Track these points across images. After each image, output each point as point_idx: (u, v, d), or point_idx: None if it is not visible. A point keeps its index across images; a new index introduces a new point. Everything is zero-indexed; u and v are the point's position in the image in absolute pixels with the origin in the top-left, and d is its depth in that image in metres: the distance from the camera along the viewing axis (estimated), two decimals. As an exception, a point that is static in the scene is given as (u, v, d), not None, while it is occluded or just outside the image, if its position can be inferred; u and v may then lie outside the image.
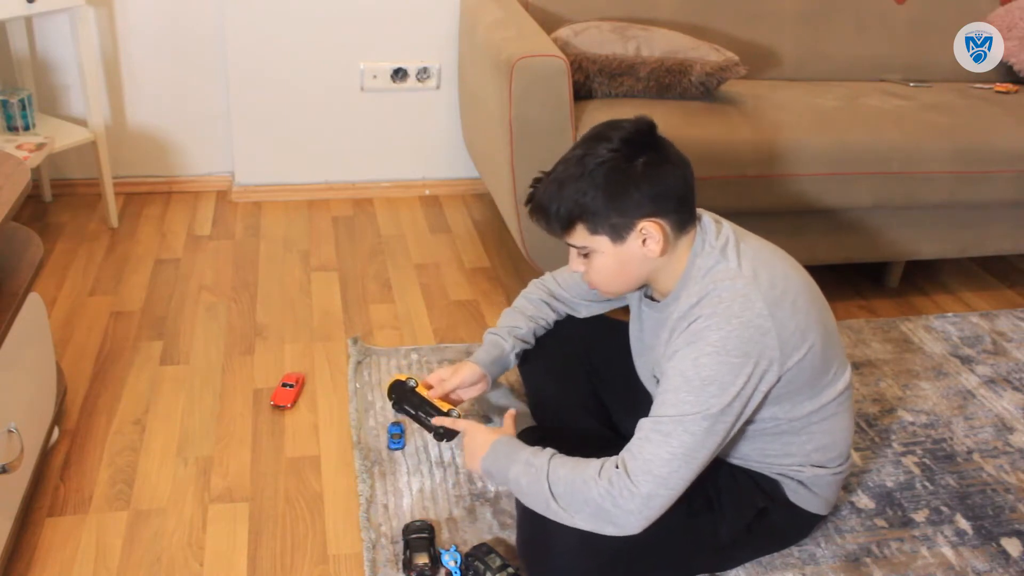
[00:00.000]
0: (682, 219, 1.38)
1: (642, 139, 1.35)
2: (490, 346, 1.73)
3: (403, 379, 1.70)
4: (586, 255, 1.41)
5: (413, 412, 1.67)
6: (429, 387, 1.70)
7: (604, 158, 1.33)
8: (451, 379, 1.69)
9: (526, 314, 1.75)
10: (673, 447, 1.29)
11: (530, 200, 1.42)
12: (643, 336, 1.54)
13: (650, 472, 1.29)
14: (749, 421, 1.42)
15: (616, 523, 1.32)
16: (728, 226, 1.44)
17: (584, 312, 1.75)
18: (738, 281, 1.34)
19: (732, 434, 1.35)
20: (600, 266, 1.41)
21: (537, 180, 1.43)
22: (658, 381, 1.44)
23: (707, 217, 1.44)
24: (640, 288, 1.49)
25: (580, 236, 1.38)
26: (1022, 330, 2.39)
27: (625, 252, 1.38)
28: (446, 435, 1.63)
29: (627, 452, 1.33)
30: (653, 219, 1.35)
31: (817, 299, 1.44)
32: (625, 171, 1.33)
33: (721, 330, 1.31)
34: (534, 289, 1.78)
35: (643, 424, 1.33)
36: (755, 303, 1.32)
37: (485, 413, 1.90)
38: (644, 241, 1.36)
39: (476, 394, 1.73)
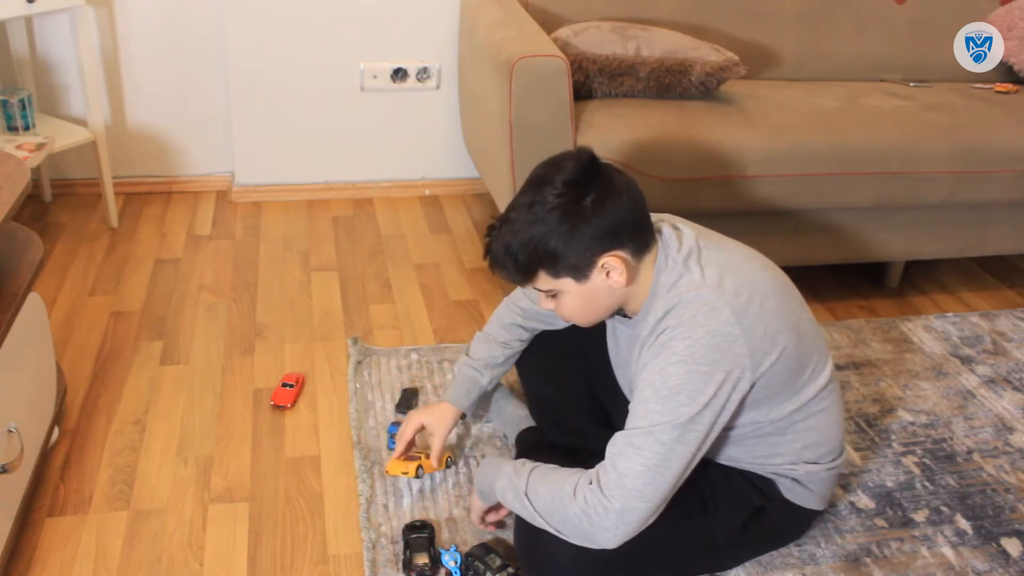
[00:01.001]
0: (640, 244, 1.37)
1: (585, 176, 1.34)
2: (470, 384, 1.71)
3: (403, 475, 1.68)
4: (553, 296, 1.41)
5: None
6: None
7: (552, 204, 1.32)
8: (438, 435, 1.68)
9: (499, 341, 1.73)
10: (645, 458, 1.29)
11: (487, 253, 1.42)
12: (619, 352, 1.54)
13: (623, 486, 1.29)
14: (730, 427, 1.42)
15: (593, 540, 1.32)
16: (690, 234, 1.42)
17: (562, 324, 1.73)
18: (702, 291, 1.33)
19: (708, 444, 1.34)
20: (570, 305, 1.41)
21: (490, 228, 1.42)
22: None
23: (666, 228, 1.42)
24: (616, 312, 1.49)
25: (544, 281, 1.38)
26: (1022, 330, 2.39)
27: (591, 288, 1.37)
28: None
29: (600, 468, 1.33)
30: (612, 253, 1.34)
31: (789, 298, 1.43)
32: (575, 212, 1.32)
33: (687, 339, 1.30)
34: (506, 312, 1.74)
35: (615, 439, 1.33)
36: (721, 311, 1.31)
37: (483, 413, 1.90)
38: (608, 274, 1.36)
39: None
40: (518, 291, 1.73)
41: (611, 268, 1.35)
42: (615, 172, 1.37)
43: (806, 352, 1.42)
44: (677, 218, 1.48)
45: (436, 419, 1.69)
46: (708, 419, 1.31)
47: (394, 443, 1.78)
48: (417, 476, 1.66)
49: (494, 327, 1.75)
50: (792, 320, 1.39)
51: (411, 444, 1.71)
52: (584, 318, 1.45)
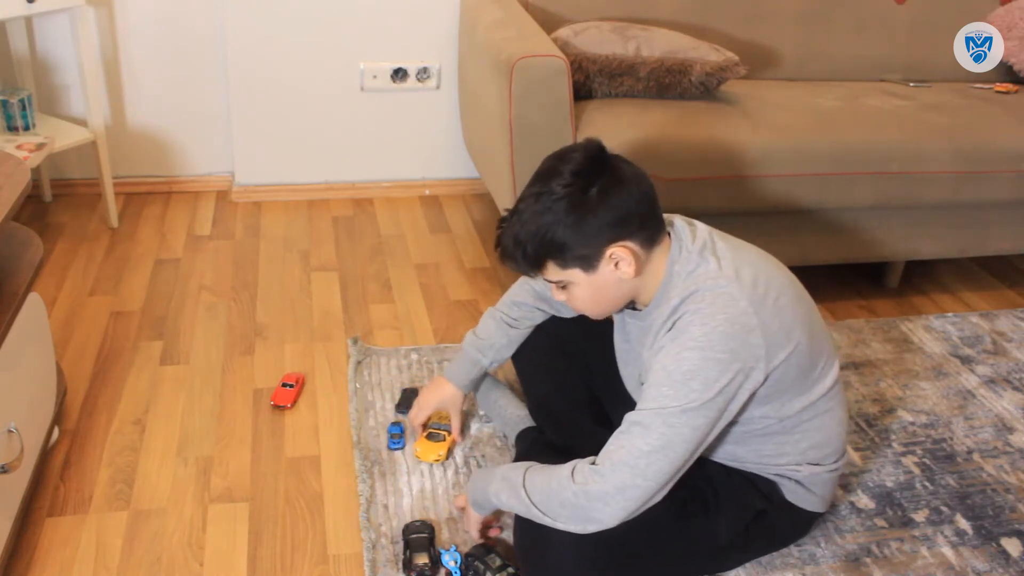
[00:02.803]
0: (650, 235, 1.37)
1: (592, 167, 1.35)
2: (470, 364, 1.77)
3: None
4: (563, 287, 1.42)
5: None
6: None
7: (559, 194, 1.33)
8: (455, 412, 1.81)
9: (510, 317, 1.75)
10: (651, 439, 1.29)
11: (497, 244, 1.42)
12: (629, 346, 1.54)
13: (625, 463, 1.29)
14: (739, 423, 1.42)
15: (592, 518, 1.32)
16: (703, 228, 1.43)
17: (569, 313, 1.75)
18: (720, 280, 1.34)
19: (715, 432, 1.34)
20: (580, 296, 1.41)
21: (502, 220, 1.43)
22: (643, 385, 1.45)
23: (679, 222, 1.43)
24: (627, 304, 1.49)
25: (553, 272, 1.39)
26: (1022, 330, 2.39)
27: (600, 279, 1.38)
28: None
29: (605, 448, 1.33)
30: (620, 243, 1.35)
31: (801, 296, 1.44)
32: (582, 203, 1.32)
33: (705, 326, 1.31)
34: (519, 290, 1.76)
35: (624, 419, 1.34)
36: (739, 301, 1.32)
37: (483, 414, 1.90)
38: (616, 265, 1.36)
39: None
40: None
41: (619, 259, 1.35)
42: (624, 163, 1.38)
43: (817, 351, 1.43)
44: (689, 218, 1.49)
45: (448, 399, 1.79)
46: (719, 406, 1.31)
47: (394, 443, 1.79)
48: (448, 457, 1.76)
49: (506, 305, 1.76)
50: (804, 318, 1.40)
51: (426, 424, 1.82)
52: (594, 309, 1.45)
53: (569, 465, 1.35)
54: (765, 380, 1.35)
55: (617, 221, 1.34)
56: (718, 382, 1.30)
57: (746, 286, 1.34)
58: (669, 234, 1.41)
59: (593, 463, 1.32)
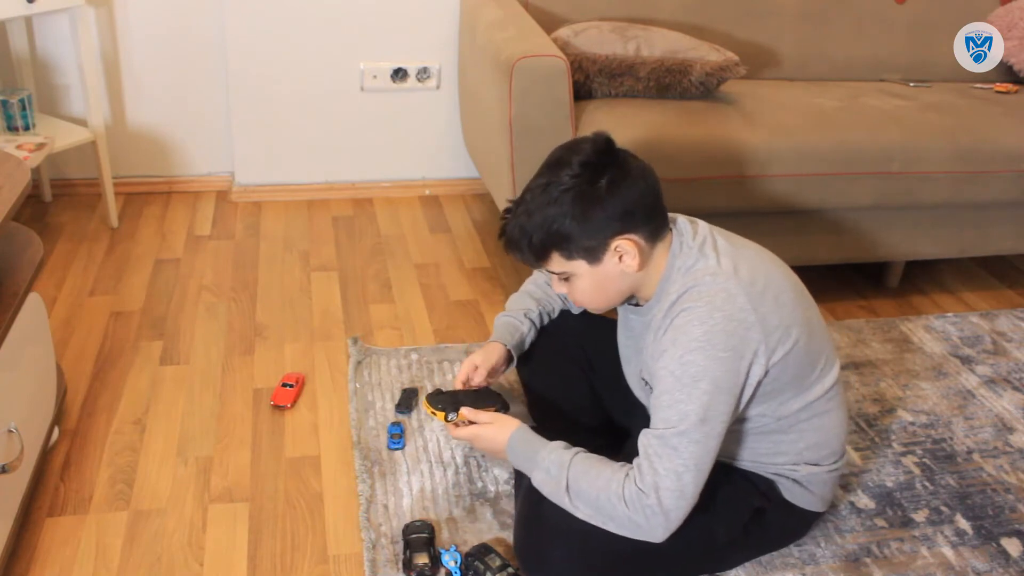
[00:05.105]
0: (654, 229, 1.38)
1: (601, 159, 1.36)
2: (511, 328, 1.72)
3: (436, 392, 1.62)
4: (566, 279, 1.42)
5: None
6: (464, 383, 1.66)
7: (567, 185, 1.34)
8: (483, 365, 1.66)
9: (535, 297, 1.75)
10: (683, 459, 1.30)
11: (502, 234, 1.43)
12: (632, 342, 1.55)
13: (666, 488, 1.30)
14: (739, 420, 1.43)
15: (642, 536, 1.34)
16: (704, 226, 1.44)
17: (576, 308, 1.75)
18: (719, 276, 1.35)
19: (726, 428, 1.35)
20: (582, 288, 1.42)
21: (507, 210, 1.43)
22: (646, 383, 1.45)
23: (681, 219, 1.44)
24: (627, 299, 1.50)
25: (557, 263, 1.40)
26: (1022, 330, 2.39)
27: (603, 271, 1.39)
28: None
29: (640, 469, 1.33)
30: (625, 236, 1.35)
31: (801, 295, 1.45)
32: (590, 195, 1.33)
33: (704, 324, 1.31)
34: (539, 275, 1.78)
35: (649, 439, 1.33)
36: (737, 297, 1.33)
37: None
38: (620, 258, 1.37)
39: (503, 373, 1.73)
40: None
41: (624, 252, 1.36)
42: (631, 157, 1.39)
43: (816, 351, 1.43)
44: (692, 216, 1.49)
45: (484, 355, 1.67)
46: (731, 405, 1.33)
47: (394, 443, 1.79)
48: (447, 420, 1.56)
49: (529, 287, 1.77)
50: (804, 317, 1.41)
51: (467, 384, 1.67)
52: (596, 302, 1.46)
53: (616, 481, 1.34)
54: (766, 375, 1.36)
55: (624, 214, 1.34)
56: (724, 381, 1.31)
57: (744, 282, 1.35)
58: (671, 230, 1.42)
59: (635, 484, 1.32)
